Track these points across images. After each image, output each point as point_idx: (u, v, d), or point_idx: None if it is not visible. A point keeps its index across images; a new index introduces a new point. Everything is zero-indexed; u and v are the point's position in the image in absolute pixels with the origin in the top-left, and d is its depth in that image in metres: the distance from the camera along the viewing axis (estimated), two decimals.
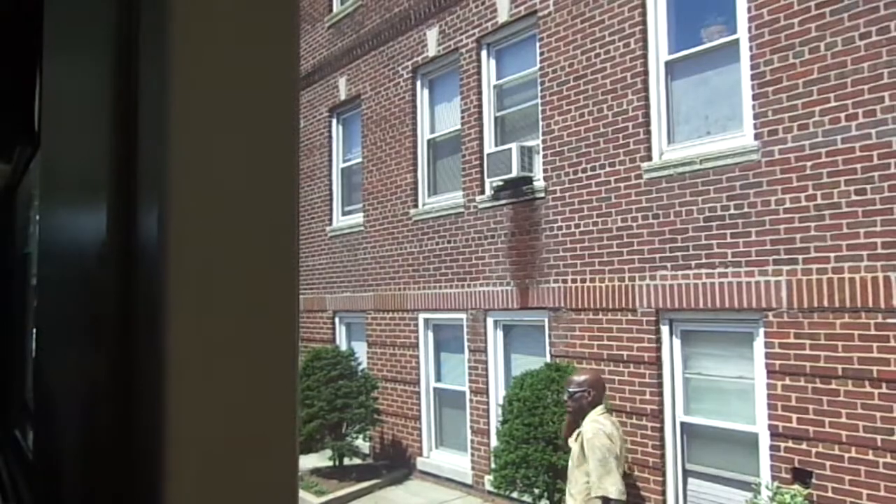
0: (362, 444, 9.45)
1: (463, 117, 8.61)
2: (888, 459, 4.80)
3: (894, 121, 4.84)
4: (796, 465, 5.30)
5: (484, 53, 8.43)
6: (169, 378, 0.47)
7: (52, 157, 1.14)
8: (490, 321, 8.15)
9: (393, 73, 9.83)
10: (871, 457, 4.89)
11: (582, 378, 4.64)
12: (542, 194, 7.44)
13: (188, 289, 0.48)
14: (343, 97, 11.00)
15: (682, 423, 6.21)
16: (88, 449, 0.69)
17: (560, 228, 7.23)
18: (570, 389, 4.58)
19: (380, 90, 10.09)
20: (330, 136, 11.38)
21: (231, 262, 0.50)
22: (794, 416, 5.31)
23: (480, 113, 8.41)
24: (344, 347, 10.23)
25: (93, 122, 0.69)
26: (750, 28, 5.72)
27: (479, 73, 8.43)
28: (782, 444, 5.40)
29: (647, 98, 6.50)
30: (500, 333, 8.12)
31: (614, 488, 4.09)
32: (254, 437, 0.49)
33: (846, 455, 5.02)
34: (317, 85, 11.54)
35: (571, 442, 4.51)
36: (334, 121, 11.37)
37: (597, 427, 4.31)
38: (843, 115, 5.12)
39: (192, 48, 0.49)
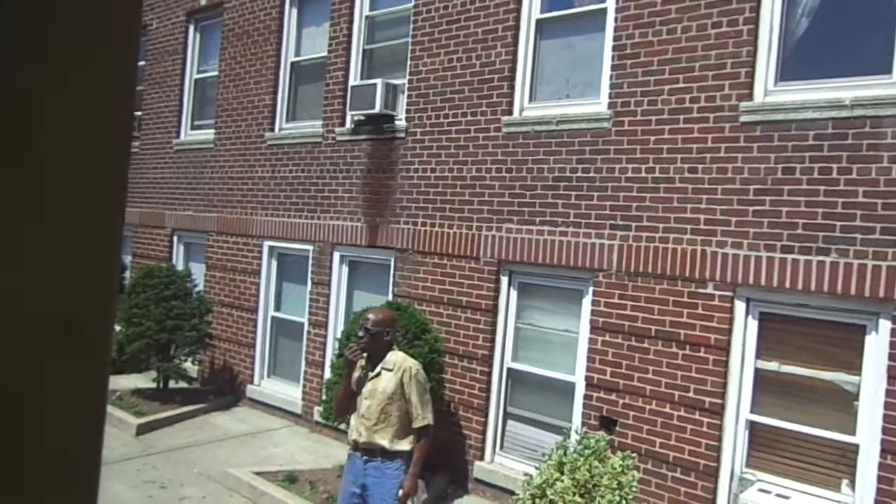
0: (190, 367, 9.18)
1: (331, 45, 8.34)
2: (681, 413, 5.36)
3: (730, 108, 5.25)
4: (604, 413, 5.78)
5: None
6: None
7: None
8: (336, 255, 8.11)
9: None
10: (667, 410, 5.43)
11: (380, 316, 4.44)
12: (403, 134, 7.41)
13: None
14: (203, 2, 10.26)
15: (509, 369, 6.56)
16: None
17: (416, 171, 7.26)
18: (368, 327, 4.34)
19: (245, 1, 9.52)
20: (185, 43, 10.62)
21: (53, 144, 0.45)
22: (609, 369, 5.77)
23: (349, 43, 8.17)
24: (181, 267, 9.79)
25: None
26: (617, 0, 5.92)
27: (352, 0, 8.16)
28: (595, 394, 5.85)
29: (515, 53, 6.60)
30: (345, 269, 8.11)
31: (431, 415, 4.41)
32: (66, 323, 0.46)
33: (647, 407, 5.54)
34: None
35: (371, 381, 4.37)
36: (192, 27, 10.61)
37: (414, 363, 4.48)
38: (687, 97, 5.47)
39: None
